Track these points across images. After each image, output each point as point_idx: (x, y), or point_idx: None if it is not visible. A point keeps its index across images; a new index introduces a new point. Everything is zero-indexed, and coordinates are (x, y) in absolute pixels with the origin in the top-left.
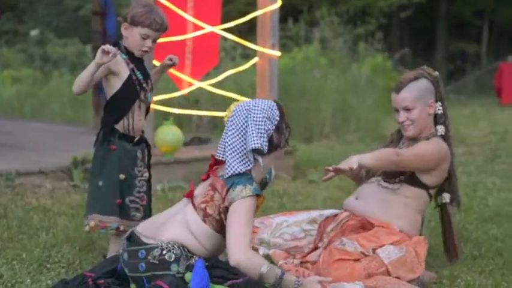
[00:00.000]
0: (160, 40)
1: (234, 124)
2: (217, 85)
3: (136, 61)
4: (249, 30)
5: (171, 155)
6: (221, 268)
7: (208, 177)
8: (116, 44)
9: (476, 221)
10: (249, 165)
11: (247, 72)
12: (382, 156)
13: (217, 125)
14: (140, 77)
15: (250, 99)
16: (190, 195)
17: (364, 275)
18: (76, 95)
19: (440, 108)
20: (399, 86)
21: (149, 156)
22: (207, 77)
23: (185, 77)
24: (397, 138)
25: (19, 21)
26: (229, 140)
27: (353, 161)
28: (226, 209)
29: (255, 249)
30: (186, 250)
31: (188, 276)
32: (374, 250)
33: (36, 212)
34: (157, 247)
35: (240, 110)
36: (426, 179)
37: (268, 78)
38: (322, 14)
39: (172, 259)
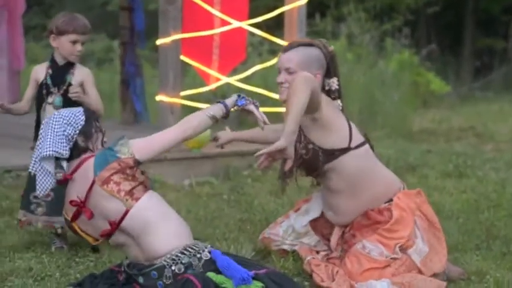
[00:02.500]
0: (188, 35)
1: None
2: (244, 80)
3: (56, 68)
4: (276, 26)
5: (199, 150)
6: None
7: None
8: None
9: (505, 217)
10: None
11: (275, 68)
12: (289, 114)
13: (244, 120)
14: (49, 81)
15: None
16: (115, 228)
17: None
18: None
19: (337, 84)
20: (288, 46)
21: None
22: (234, 72)
23: (212, 72)
24: None
25: (47, 16)
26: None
27: (280, 141)
28: (134, 164)
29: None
30: (187, 249)
31: (210, 273)
32: (402, 249)
33: None
34: (165, 267)
35: (45, 124)
36: (327, 142)
37: None
38: (350, 10)
39: (183, 270)
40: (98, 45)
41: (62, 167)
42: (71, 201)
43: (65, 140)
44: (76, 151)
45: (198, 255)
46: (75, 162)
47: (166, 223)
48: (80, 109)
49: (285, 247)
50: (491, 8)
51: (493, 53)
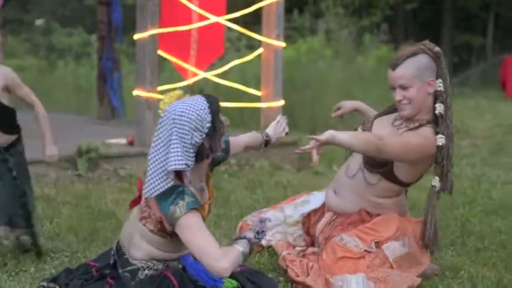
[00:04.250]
0: (166, 30)
1: (159, 135)
2: (222, 75)
3: None
4: (254, 21)
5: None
6: None
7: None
8: None
9: (480, 213)
10: (168, 184)
11: (252, 63)
12: (361, 136)
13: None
14: None
15: (184, 101)
16: (134, 205)
17: (367, 271)
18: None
19: (441, 85)
20: (396, 62)
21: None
22: (212, 67)
23: (190, 67)
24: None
25: (24, 10)
26: (151, 154)
27: (327, 134)
28: (171, 231)
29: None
30: (161, 262)
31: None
32: (377, 244)
33: (40, 201)
34: (139, 269)
35: (166, 119)
36: (402, 175)
37: (272, 69)
38: (328, 6)
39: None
40: (76, 39)
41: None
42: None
43: (191, 150)
44: (199, 156)
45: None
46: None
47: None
48: (205, 104)
49: (263, 241)
50: (469, 5)
51: (471, 50)
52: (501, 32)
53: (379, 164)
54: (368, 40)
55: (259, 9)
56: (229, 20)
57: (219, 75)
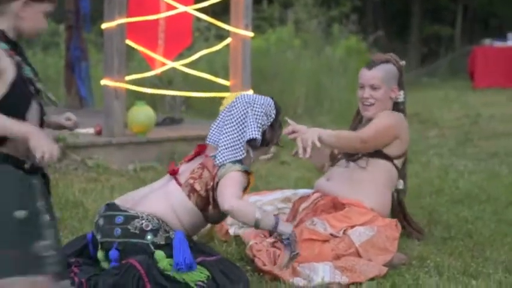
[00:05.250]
0: (134, 20)
1: (233, 114)
2: (190, 65)
3: (21, 52)
4: (223, 11)
5: (144, 134)
6: (195, 247)
7: (192, 158)
8: None
9: (447, 203)
10: (240, 156)
11: (221, 53)
12: (344, 136)
13: (190, 105)
14: (31, 74)
15: (247, 93)
16: (174, 173)
17: (332, 256)
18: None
19: (403, 97)
20: (372, 63)
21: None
22: (180, 57)
23: (158, 57)
24: (357, 121)
25: None
26: (227, 129)
27: (314, 135)
28: (216, 186)
29: (226, 231)
30: (165, 224)
31: (159, 254)
32: (345, 231)
33: None
34: (138, 217)
35: (240, 102)
36: (388, 150)
37: (241, 59)
38: None
39: (149, 228)
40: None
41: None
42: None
43: (261, 130)
44: (261, 142)
45: (167, 229)
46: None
47: (174, 213)
48: (271, 101)
49: (231, 230)
50: None
51: (440, 40)
52: (469, 23)
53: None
54: (337, 30)
55: None
56: (198, 10)
57: (187, 65)
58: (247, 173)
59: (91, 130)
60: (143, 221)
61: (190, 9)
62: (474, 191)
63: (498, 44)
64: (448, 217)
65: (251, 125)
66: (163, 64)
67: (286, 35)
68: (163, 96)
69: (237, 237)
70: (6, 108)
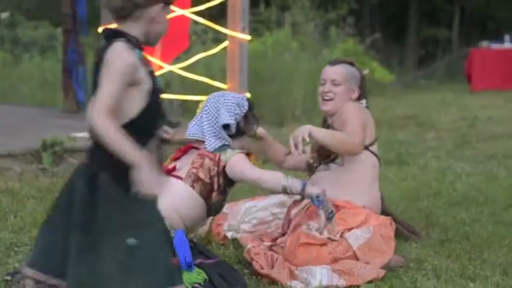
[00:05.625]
0: None
1: (207, 108)
2: (187, 69)
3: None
4: (220, 14)
5: None
6: (195, 248)
7: (181, 156)
8: (113, 34)
9: (444, 205)
10: (227, 141)
11: (218, 56)
12: (339, 137)
13: (187, 109)
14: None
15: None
16: (174, 170)
17: (330, 259)
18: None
19: (365, 105)
20: (336, 61)
21: None
22: (177, 60)
23: (155, 60)
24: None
25: None
26: (204, 121)
27: (305, 131)
28: (222, 170)
29: (223, 235)
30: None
31: None
32: (342, 234)
33: (5, 195)
34: None
35: (212, 97)
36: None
37: (238, 62)
38: None
39: None
40: (41, 32)
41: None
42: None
43: (234, 118)
44: (236, 132)
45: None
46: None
47: (175, 211)
48: (243, 95)
49: (229, 234)
50: None
51: (437, 43)
52: (466, 26)
53: (327, 154)
54: (334, 33)
55: (225, 2)
56: (195, 13)
57: (184, 69)
58: (248, 154)
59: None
60: None
61: (187, 13)
62: (472, 193)
63: (495, 46)
64: (446, 219)
65: (223, 113)
66: (161, 67)
67: (284, 37)
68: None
69: (234, 241)
70: (143, 122)
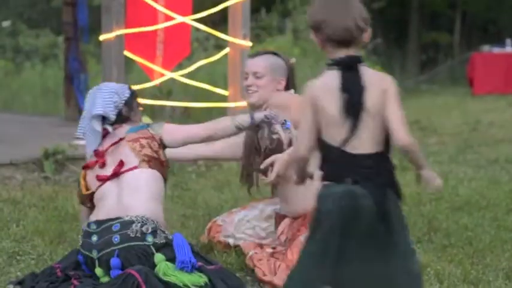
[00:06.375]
0: (132, 30)
1: (86, 104)
2: (189, 76)
3: None
4: (221, 21)
5: None
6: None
7: (104, 154)
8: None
9: (447, 210)
10: (96, 134)
11: (220, 63)
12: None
13: (190, 115)
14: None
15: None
16: (123, 164)
17: None
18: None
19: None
20: (256, 53)
21: None
22: (179, 67)
23: (156, 68)
24: None
25: None
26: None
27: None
28: (161, 143)
29: (225, 243)
30: (158, 224)
31: (158, 257)
32: None
33: (7, 204)
34: (133, 222)
35: (90, 92)
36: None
37: (239, 69)
38: (295, 4)
39: (149, 231)
40: (43, 41)
41: (106, 127)
42: (94, 151)
43: (112, 106)
44: (119, 118)
45: (163, 229)
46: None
47: (153, 198)
48: (126, 85)
49: (230, 241)
50: (436, 3)
51: (439, 47)
52: (468, 30)
53: None
54: None
55: (227, 9)
56: (196, 20)
57: (186, 76)
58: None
59: None
60: (139, 224)
61: (189, 20)
62: (474, 198)
63: (497, 50)
64: (448, 224)
65: (97, 104)
66: (162, 75)
67: (285, 43)
68: (163, 107)
69: (236, 248)
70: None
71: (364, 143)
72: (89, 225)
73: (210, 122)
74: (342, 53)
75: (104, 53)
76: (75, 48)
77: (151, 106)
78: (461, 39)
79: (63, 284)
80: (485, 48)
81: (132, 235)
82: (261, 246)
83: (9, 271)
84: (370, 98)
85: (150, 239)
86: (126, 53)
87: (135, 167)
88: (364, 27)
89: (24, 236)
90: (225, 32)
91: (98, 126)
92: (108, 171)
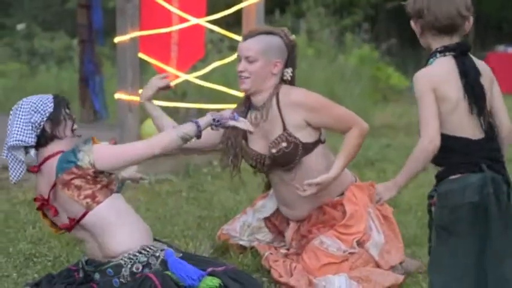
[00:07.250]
0: (146, 33)
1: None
2: (203, 77)
3: None
4: (236, 23)
5: None
6: (193, 260)
7: (49, 200)
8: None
9: None
10: (20, 166)
11: (234, 64)
12: (350, 151)
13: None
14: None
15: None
16: (73, 224)
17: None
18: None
19: (291, 74)
20: (247, 34)
21: None
22: (193, 69)
23: (171, 70)
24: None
25: (5, 14)
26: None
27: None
28: (95, 170)
29: (237, 244)
30: (143, 249)
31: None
32: (359, 242)
33: (23, 206)
34: (122, 265)
35: (12, 110)
36: (305, 139)
37: None
38: (309, 5)
39: (139, 269)
40: (57, 43)
41: (30, 155)
42: (34, 199)
43: (31, 128)
44: (43, 138)
45: (156, 255)
46: (45, 152)
47: (125, 225)
48: (50, 96)
49: (242, 243)
50: None
51: None
52: (483, 29)
53: (288, 162)
54: (349, 39)
55: (241, 11)
56: (211, 22)
57: (200, 77)
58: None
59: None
60: (129, 265)
61: (203, 22)
62: None
63: None
64: None
65: (13, 129)
66: (177, 77)
67: (300, 44)
68: (178, 108)
69: (252, 249)
70: None
71: (480, 128)
72: (86, 261)
73: (154, 137)
74: (444, 42)
75: (119, 55)
76: (90, 51)
77: (166, 108)
78: (475, 38)
79: (81, 286)
80: (500, 48)
81: (129, 278)
82: (275, 247)
83: (26, 273)
84: (484, 84)
85: (147, 270)
86: (141, 55)
87: (86, 212)
88: (467, 15)
89: (41, 238)
90: (239, 33)
91: (20, 155)
92: (64, 218)
